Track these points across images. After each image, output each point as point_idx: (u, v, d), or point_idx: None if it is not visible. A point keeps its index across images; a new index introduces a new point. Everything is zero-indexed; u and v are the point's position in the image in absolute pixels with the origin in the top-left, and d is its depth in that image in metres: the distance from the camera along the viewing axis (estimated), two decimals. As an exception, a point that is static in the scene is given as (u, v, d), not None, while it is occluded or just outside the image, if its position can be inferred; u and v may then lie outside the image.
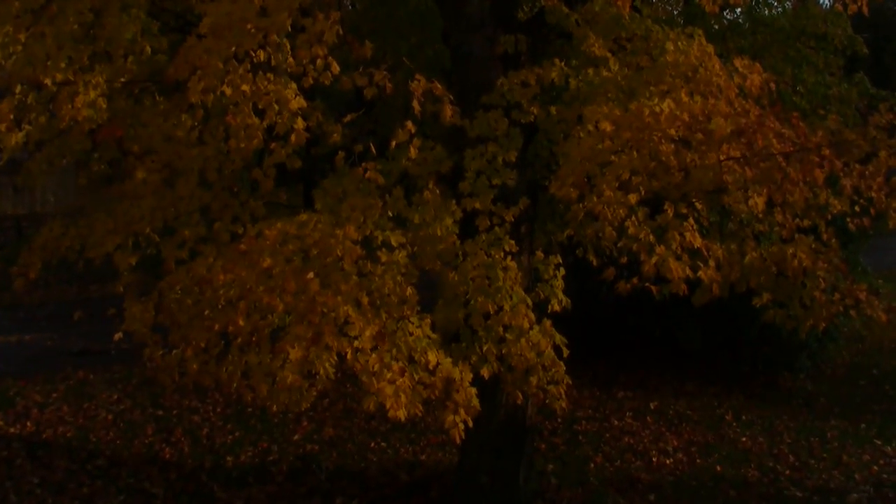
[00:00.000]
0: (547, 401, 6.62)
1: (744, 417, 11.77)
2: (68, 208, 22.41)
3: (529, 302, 6.47)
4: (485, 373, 6.34)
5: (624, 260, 7.30)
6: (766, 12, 12.01)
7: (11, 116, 6.79)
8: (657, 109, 6.01)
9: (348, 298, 5.60)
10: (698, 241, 6.55)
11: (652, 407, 12.10)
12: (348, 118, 7.06)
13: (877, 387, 13.09)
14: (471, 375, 6.09)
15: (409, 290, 6.09)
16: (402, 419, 5.52)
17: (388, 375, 5.52)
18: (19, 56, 6.50)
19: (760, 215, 6.98)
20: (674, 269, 6.34)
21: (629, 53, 7.39)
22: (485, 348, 6.36)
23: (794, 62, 10.91)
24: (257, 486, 9.54)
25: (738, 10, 12.12)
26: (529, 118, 7.26)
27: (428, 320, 6.09)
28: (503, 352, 6.37)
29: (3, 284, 15.52)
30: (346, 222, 6.06)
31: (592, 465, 10.20)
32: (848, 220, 7.26)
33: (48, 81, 6.45)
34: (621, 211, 6.40)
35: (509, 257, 6.64)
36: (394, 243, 6.26)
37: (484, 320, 6.39)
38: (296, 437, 10.90)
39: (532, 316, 6.40)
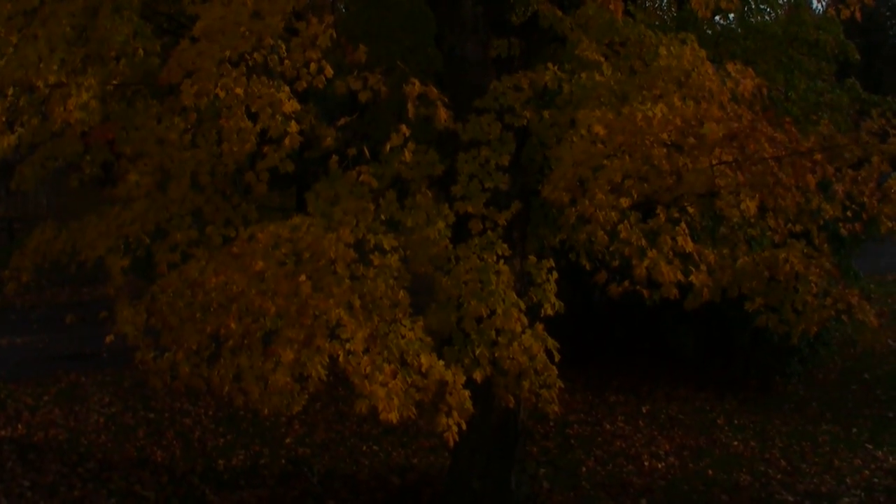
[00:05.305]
0: (539, 405, 6.62)
1: (736, 422, 11.78)
2: (60, 211, 22.35)
3: (522, 306, 6.48)
4: (477, 376, 6.33)
5: (616, 264, 7.32)
6: (759, 18, 12.05)
7: (3, 119, 6.76)
8: (650, 114, 6.01)
9: (340, 301, 5.59)
10: (690, 246, 6.56)
11: (644, 411, 12.10)
12: (341, 122, 7.04)
13: (868, 391, 13.12)
14: (463, 378, 6.09)
15: (402, 294, 6.07)
16: (395, 422, 5.51)
17: (380, 378, 5.50)
18: (11, 58, 6.45)
19: (752, 220, 6.99)
20: (665, 272, 6.35)
21: (622, 58, 7.40)
22: (477, 352, 6.35)
23: (786, 68, 10.93)
24: (249, 490, 9.51)
25: (731, 16, 12.16)
26: (522, 122, 7.26)
27: (420, 323, 6.08)
28: (495, 355, 6.36)
29: (-6, 287, 15.47)
30: (338, 226, 6.05)
31: (584, 468, 10.20)
32: (840, 224, 7.28)
33: (40, 84, 6.41)
34: (613, 215, 6.42)
35: (502, 261, 6.65)
36: (386, 247, 6.25)
37: (476, 324, 6.39)
38: (287, 440, 10.88)
39: (524, 320, 6.40)
